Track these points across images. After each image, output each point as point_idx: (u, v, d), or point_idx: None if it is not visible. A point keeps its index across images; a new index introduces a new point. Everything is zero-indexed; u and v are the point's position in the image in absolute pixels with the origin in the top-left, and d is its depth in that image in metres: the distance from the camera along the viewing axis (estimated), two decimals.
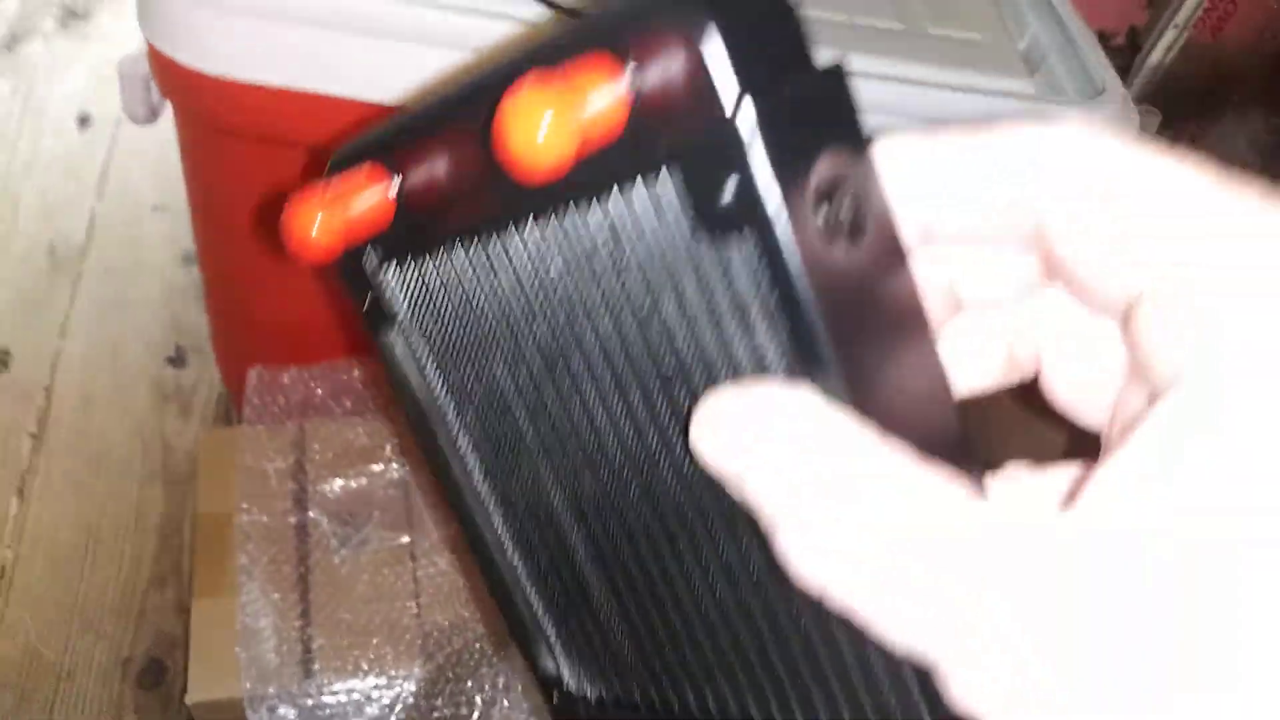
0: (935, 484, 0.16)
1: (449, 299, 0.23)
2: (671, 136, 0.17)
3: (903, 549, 0.15)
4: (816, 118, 0.17)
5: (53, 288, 1.04)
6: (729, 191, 0.17)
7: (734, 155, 0.16)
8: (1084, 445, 0.20)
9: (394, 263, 0.24)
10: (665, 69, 0.17)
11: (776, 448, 0.17)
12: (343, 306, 0.26)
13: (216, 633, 0.68)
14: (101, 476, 0.91)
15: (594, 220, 0.19)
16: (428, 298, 0.24)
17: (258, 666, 0.65)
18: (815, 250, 0.17)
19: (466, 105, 0.20)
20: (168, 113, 0.73)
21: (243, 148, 0.68)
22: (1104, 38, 1.54)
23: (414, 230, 0.22)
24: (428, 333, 0.24)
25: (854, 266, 0.18)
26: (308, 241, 0.20)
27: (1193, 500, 0.14)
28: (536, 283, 0.21)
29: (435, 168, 0.21)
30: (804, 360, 0.17)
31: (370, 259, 0.24)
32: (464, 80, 0.20)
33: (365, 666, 0.67)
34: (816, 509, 0.16)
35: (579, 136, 0.17)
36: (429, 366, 0.25)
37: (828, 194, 0.17)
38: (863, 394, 0.17)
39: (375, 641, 0.68)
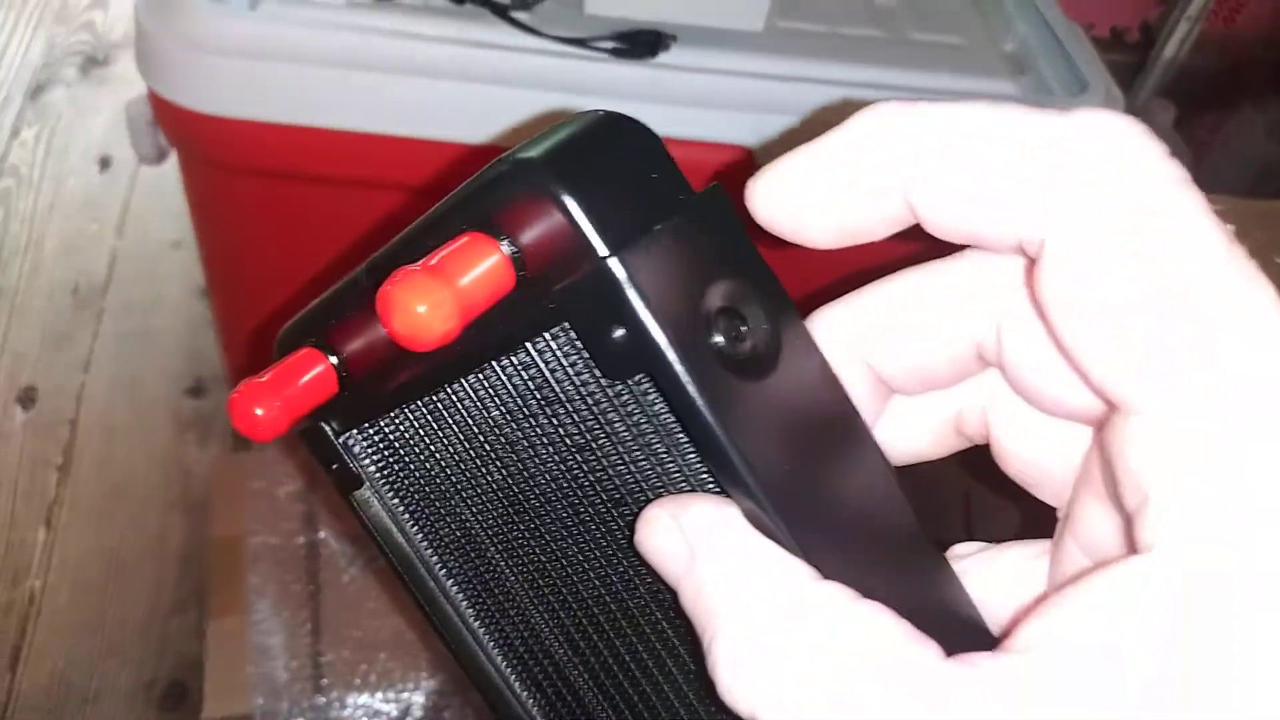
0: (864, 622, 0.15)
1: (410, 454, 0.24)
2: (557, 292, 0.17)
3: (825, 688, 0.15)
4: (700, 246, 0.17)
5: (76, 324, 1.07)
6: (619, 339, 0.17)
7: (615, 306, 0.17)
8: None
9: (352, 429, 0.25)
10: (538, 235, 0.17)
11: (706, 564, 0.17)
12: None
13: (231, 652, 0.69)
14: (124, 505, 0.94)
15: (514, 368, 0.20)
16: (391, 456, 0.25)
17: (269, 683, 0.67)
18: (717, 381, 0.17)
19: (368, 288, 0.21)
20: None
21: (241, 182, 0.70)
22: (1117, 34, 1.53)
23: (363, 397, 0.23)
24: (397, 488, 0.25)
25: (767, 385, 0.18)
26: (257, 425, 0.22)
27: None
28: (483, 429, 0.22)
29: (363, 340, 0.22)
30: (729, 485, 0.17)
31: (329, 428, 0.25)
32: (362, 265, 0.21)
33: (374, 681, 0.68)
34: (741, 630, 0.16)
35: (456, 314, 0.17)
36: (405, 519, 0.25)
37: (724, 321, 0.17)
38: (794, 509, 0.17)
39: (383, 656, 0.69)
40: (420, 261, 0.17)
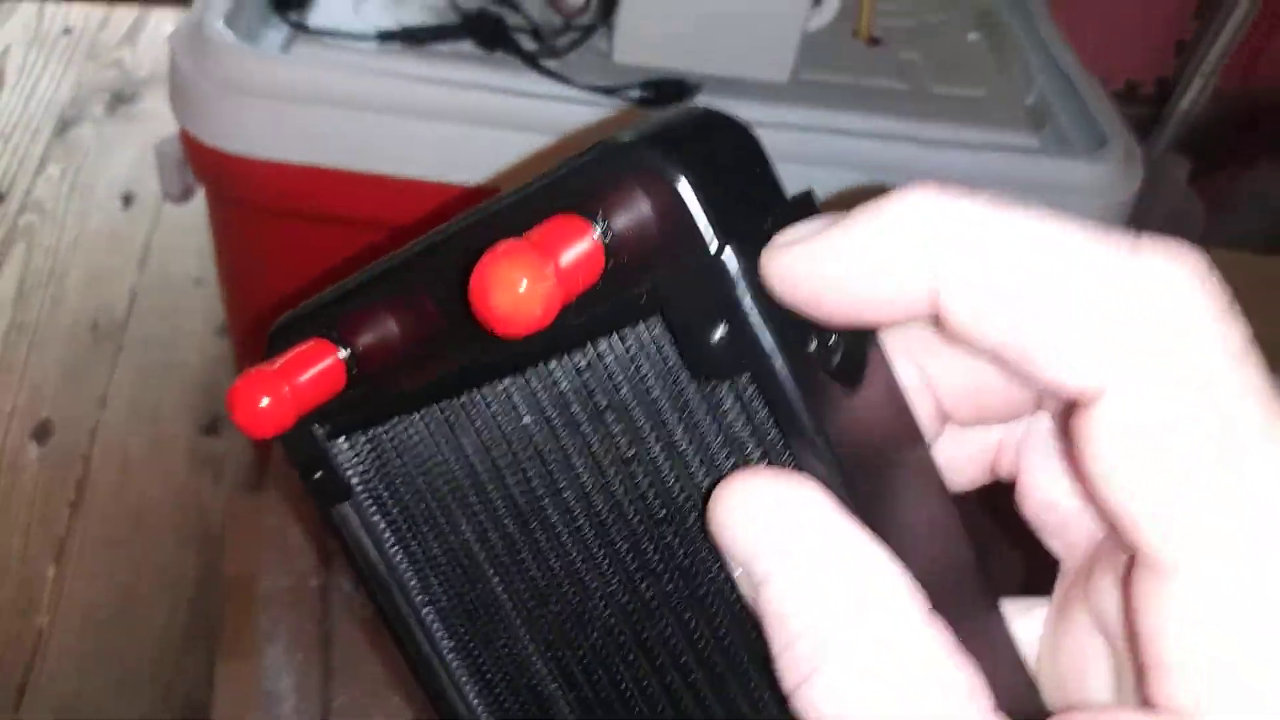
0: (955, 683, 0.15)
1: (407, 466, 0.22)
2: (651, 286, 0.17)
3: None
4: None
5: (94, 360, 1.07)
6: (719, 335, 0.16)
7: (724, 302, 0.16)
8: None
9: (345, 434, 0.23)
10: (639, 220, 0.16)
11: (807, 560, 0.16)
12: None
13: (239, 695, 0.69)
14: (137, 541, 0.94)
15: (571, 369, 0.19)
16: (383, 466, 0.23)
17: None
18: (817, 387, 0.16)
19: (422, 273, 0.20)
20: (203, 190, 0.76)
21: (266, 222, 0.71)
22: (1132, 87, 1.54)
23: (366, 399, 0.22)
24: (384, 503, 0.23)
25: (854, 397, 0.17)
26: (259, 418, 0.20)
27: None
28: (505, 438, 0.20)
29: (386, 335, 0.21)
30: None
31: (318, 431, 0.23)
32: (412, 250, 0.20)
33: None
34: (842, 656, 0.15)
35: (557, 295, 0.16)
36: (387, 538, 0.24)
37: (816, 329, 0.17)
38: (879, 528, 0.16)
39: (396, 700, 0.68)
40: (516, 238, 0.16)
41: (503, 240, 0.16)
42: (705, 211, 0.16)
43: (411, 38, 0.66)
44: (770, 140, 0.66)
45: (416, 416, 0.22)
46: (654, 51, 0.66)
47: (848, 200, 0.17)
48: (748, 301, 0.16)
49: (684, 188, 0.16)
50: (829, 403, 0.17)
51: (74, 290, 1.13)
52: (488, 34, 0.66)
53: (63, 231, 1.18)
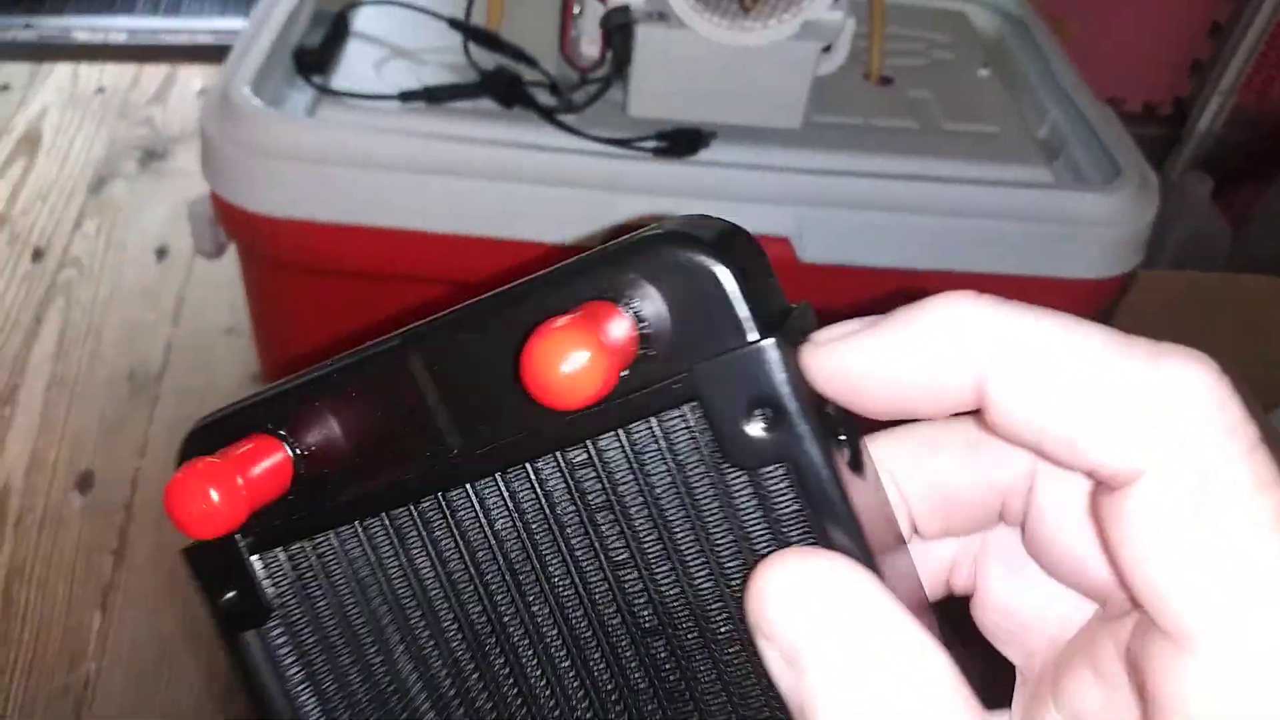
0: None
1: (337, 586, 0.20)
2: (683, 375, 0.17)
3: None
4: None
5: (132, 410, 1.10)
6: (759, 424, 0.17)
7: (765, 388, 0.16)
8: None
9: (272, 547, 0.21)
10: (675, 308, 0.17)
11: (857, 650, 0.16)
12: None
13: None
14: (178, 592, 0.96)
15: (562, 467, 0.18)
16: (306, 587, 0.21)
17: None
18: (845, 477, 0.17)
19: (398, 364, 0.19)
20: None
21: (296, 278, 0.73)
22: (1150, 109, 1.54)
23: (303, 508, 0.20)
24: (299, 631, 0.21)
25: (863, 491, 0.18)
26: (207, 515, 0.18)
27: None
28: (467, 548, 0.19)
29: (342, 433, 0.19)
30: None
31: (241, 543, 0.21)
32: (387, 343, 0.19)
33: None
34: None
35: (614, 368, 0.16)
36: (294, 673, 0.21)
37: (831, 422, 0.17)
38: None
39: None
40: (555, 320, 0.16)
41: (555, 318, 0.16)
42: (746, 301, 0.17)
43: (432, 97, 0.68)
44: (784, 184, 0.68)
45: (356, 527, 0.20)
46: (667, 104, 0.68)
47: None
48: (791, 391, 0.16)
49: (726, 277, 0.17)
50: (854, 492, 0.17)
51: (111, 343, 1.16)
52: (505, 91, 0.68)
53: (99, 287, 1.22)
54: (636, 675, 0.19)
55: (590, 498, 0.18)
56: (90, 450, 1.06)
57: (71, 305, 1.20)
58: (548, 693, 0.19)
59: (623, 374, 0.17)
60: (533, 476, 0.19)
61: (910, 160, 0.70)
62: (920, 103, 0.77)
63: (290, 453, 0.20)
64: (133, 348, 1.16)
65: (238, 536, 0.21)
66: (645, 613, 0.18)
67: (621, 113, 0.69)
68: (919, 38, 0.85)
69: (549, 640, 0.19)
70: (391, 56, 0.74)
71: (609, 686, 0.19)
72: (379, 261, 0.69)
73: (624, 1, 0.64)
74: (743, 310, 0.17)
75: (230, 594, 0.21)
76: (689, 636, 0.18)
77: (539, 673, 0.19)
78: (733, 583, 0.18)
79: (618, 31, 0.65)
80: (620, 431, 0.18)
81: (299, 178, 0.65)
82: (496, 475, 0.19)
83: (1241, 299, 1.08)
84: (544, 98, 0.69)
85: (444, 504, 0.19)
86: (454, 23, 0.72)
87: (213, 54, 1.49)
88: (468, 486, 0.19)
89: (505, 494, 0.19)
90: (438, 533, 0.19)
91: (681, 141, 0.66)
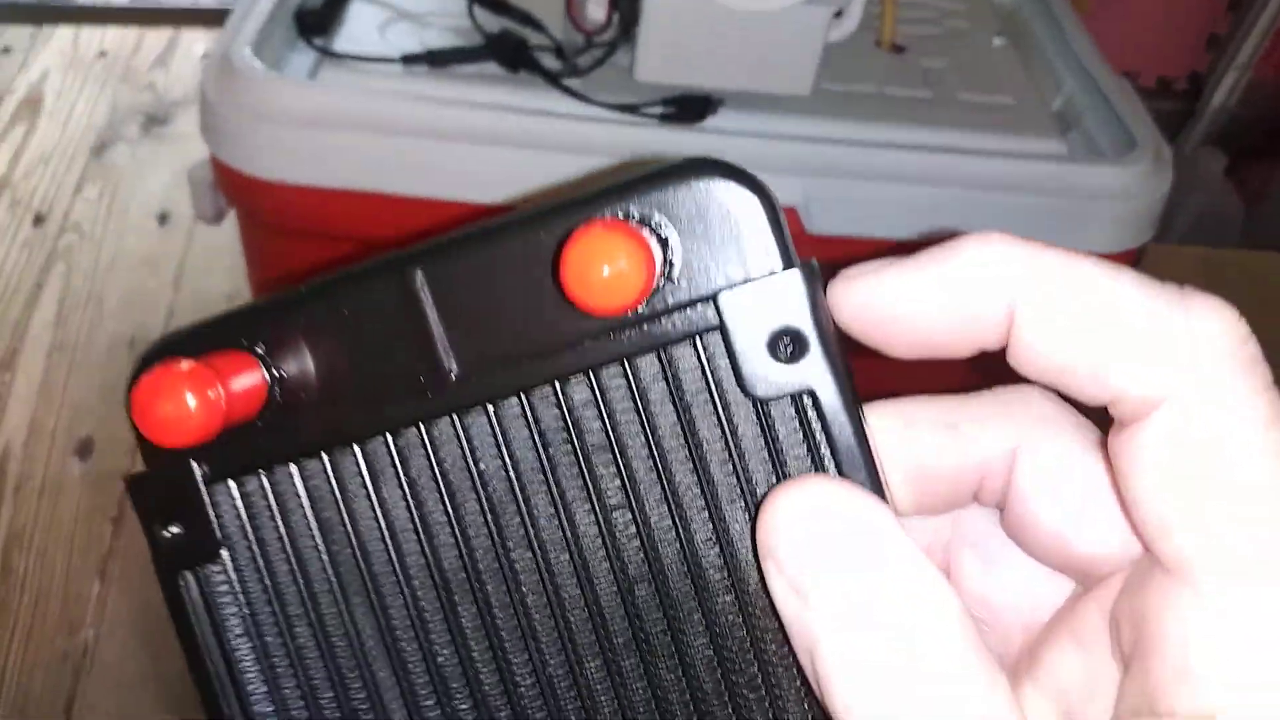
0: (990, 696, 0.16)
1: (294, 525, 0.19)
2: (705, 302, 0.17)
3: None
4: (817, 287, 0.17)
5: None
6: (780, 355, 0.17)
7: (792, 317, 0.16)
8: None
9: (233, 477, 0.19)
10: (704, 234, 0.17)
11: (882, 598, 0.16)
12: None
13: None
14: None
15: (558, 401, 0.18)
16: (260, 526, 0.19)
17: None
18: (861, 411, 0.17)
19: (393, 284, 0.18)
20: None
21: (297, 244, 0.72)
22: (1165, 83, 1.52)
23: (268, 436, 0.18)
24: (250, 573, 0.19)
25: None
26: (178, 421, 0.16)
27: None
28: (447, 486, 0.18)
29: (328, 357, 0.18)
30: None
31: (199, 471, 0.19)
32: (398, 258, 0.18)
33: None
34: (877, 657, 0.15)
35: (651, 275, 0.16)
36: (235, 618, 0.19)
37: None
38: None
39: None
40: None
41: (594, 220, 0.16)
42: (774, 230, 0.17)
43: (436, 60, 0.67)
44: (793, 153, 0.66)
45: (324, 461, 0.19)
46: (675, 68, 0.67)
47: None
48: (816, 320, 0.17)
49: (756, 204, 0.17)
50: (867, 429, 0.17)
51: (112, 310, 1.15)
52: (510, 55, 0.67)
53: (100, 252, 1.21)
54: (619, 626, 0.18)
55: (587, 432, 0.18)
56: (90, 417, 1.06)
57: (72, 271, 1.19)
58: (519, 648, 0.18)
59: (651, 298, 0.17)
60: (527, 408, 0.18)
61: (922, 130, 0.69)
62: (933, 72, 0.76)
63: (266, 374, 0.18)
64: (134, 314, 1.15)
65: (194, 463, 0.19)
66: (636, 559, 0.18)
67: (628, 77, 0.68)
68: (933, 5, 0.84)
69: (527, 589, 0.18)
70: (395, 18, 0.73)
71: (588, 639, 0.18)
72: (380, 227, 0.68)
73: None
74: (771, 238, 0.17)
75: (175, 528, 0.19)
76: (680, 586, 0.18)
77: (512, 624, 0.18)
78: (732, 528, 0.18)
79: None
80: (625, 362, 0.17)
81: (300, 142, 0.64)
82: (488, 406, 0.18)
83: (1253, 276, 1.07)
84: (549, 62, 0.68)
85: (425, 436, 0.18)
86: None
87: (216, 17, 1.47)
88: (454, 417, 0.18)
89: (496, 427, 0.18)
90: (416, 468, 0.18)
91: (689, 107, 0.65)
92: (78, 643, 0.90)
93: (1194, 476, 0.15)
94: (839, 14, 0.66)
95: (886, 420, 0.19)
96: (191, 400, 0.16)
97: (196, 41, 1.49)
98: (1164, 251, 1.05)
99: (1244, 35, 1.38)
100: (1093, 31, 0.81)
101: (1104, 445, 0.19)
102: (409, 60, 0.67)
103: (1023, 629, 0.20)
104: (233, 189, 0.70)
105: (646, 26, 0.65)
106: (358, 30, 0.71)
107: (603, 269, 0.16)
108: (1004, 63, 0.79)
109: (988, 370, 0.20)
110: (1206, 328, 0.16)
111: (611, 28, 0.67)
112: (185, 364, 0.17)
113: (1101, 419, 0.18)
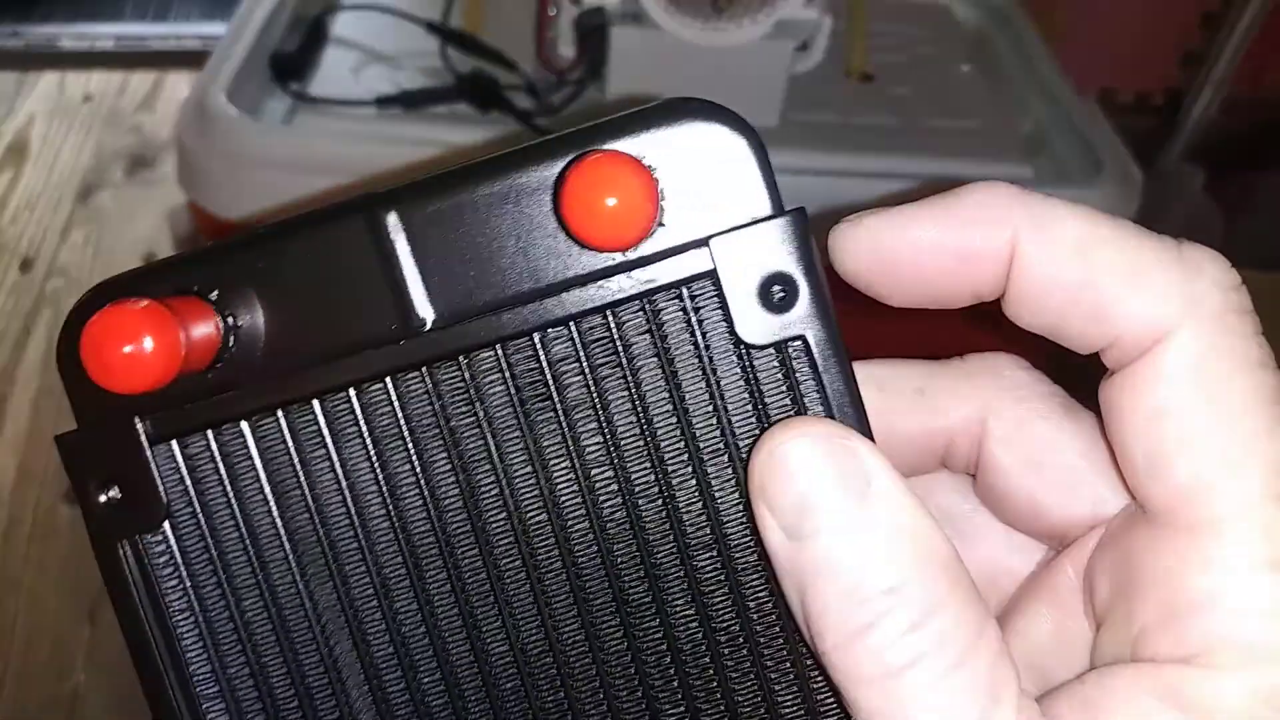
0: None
1: (246, 487, 0.17)
2: (697, 247, 0.16)
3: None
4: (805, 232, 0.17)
5: None
6: (771, 301, 0.16)
7: (785, 261, 0.16)
8: None
9: (173, 436, 0.17)
10: (696, 178, 0.17)
11: (881, 543, 0.16)
12: None
13: None
14: None
15: (524, 350, 0.17)
16: (209, 488, 0.17)
17: None
18: (848, 359, 0.17)
19: (362, 227, 0.17)
20: None
21: None
22: (1143, 99, 1.53)
23: (221, 390, 0.17)
24: (195, 541, 0.18)
25: None
26: (136, 361, 0.15)
27: None
28: (413, 441, 0.17)
29: (286, 306, 0.17)
30: None
31: (140, 432, 0.17)
32: (339, 206, 0.17)
33: None
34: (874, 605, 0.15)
35: (653, 212, 0.16)
36: (176, 590, 0.18)
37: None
38: None
39: None
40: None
41: (599, 152, 0.16)
42: (764, 174, 0.17)
43: (409, 102, 0.68)
44: None
45: (279, 418, 0.17)
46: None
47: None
48: (809, 266, 0.16)
49: (749, 148, 0.16)
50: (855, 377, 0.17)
51: None
52: (483, 94, 0.68)
53: None
54: (597, 589, 0.17)
55: (568, 386, 0.17)
56: None
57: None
58: (491, 615, 0.17)
59: (642, 240, 0.17)
60: (504, 361, 0.17)
61: (890, 158, 0.70)
62: (902, 99, 0.77)
63: (221, 322, 0.17)
64: None
65: (136, 420, 0.17)
66: (616, 517, 0.17)
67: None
68: (901, 33, 0.85)
69: (499, 553, 0.17)
70: (369, 61, 0.74)
71: (565, 604, 0.17)
72: None
73: (598, 3, 0.64)
74: (764, 183, 0.16)
75: (113, 492, 0.17)
76: (661, 545, 0.17)
77: (484, 590, 0.17)
78: (716, 482, 0.17)
79: (592, 33, 0.64)
80: (609, 311, 0.17)
81: (276, 186, 0.65)
82: (462, 358, 0.17)
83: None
84: (522, 100, 0.69)
85: (393, 390, 0.17)
86: (432, 26, 0.72)
87: (200, 60, 1.47)
88: (425, 370, 0.17)
89: (470, 380, 0.17)
90: (381, 425, 0.17)
91: None
92: (67, 687, 0.90)
93: (1194, 412, 0.15)
94: (804, 46, 0.67)
95: (859, 383, 0.20)
96: (149, 341, 0.15)
97: (181, 84, 1.50)
98: None
99: (1219, 51, 1.40)
100: (1070, 49, 0.81)
101: (1074, 410, 0.19)
102: (383, 102, 0.68)
103: (995, 597, 0.20)
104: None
105: (614, 64, 0.66)
106: (332, 73, 0.72)
107: (608, 199, 0.15)
108: (972, 89, 0.80)
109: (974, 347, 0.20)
110: (1207, 270, 0.16)
111: (581, 66, 0.68)
112: (142, 303, 0.15)
113: (1074, 387, 0.19)
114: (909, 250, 0.17)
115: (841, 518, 0.16)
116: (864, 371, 0.20)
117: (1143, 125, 1.45)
